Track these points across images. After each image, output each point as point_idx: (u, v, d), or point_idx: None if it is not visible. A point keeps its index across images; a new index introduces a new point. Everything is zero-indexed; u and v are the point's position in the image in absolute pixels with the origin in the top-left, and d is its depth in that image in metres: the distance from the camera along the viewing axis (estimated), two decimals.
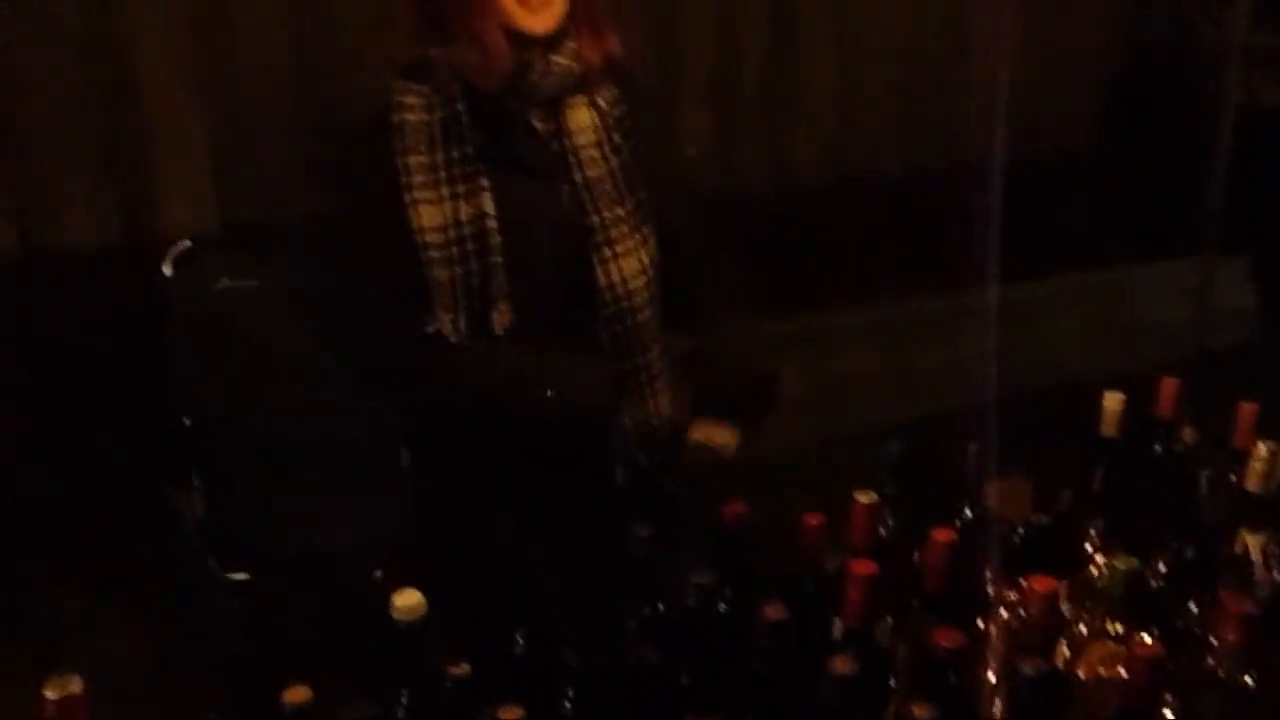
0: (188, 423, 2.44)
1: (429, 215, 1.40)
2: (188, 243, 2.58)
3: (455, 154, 1.39)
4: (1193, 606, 1.18)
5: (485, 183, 1.40)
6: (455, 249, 1.41)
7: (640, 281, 1.50)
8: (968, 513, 1.36)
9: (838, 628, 1.07)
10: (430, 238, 1.40)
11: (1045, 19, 4.04)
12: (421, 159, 1.39)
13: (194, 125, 2.78)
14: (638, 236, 1.49)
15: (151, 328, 2.53)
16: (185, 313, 2.52)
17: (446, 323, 1.44)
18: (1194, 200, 3.83)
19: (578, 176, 1.46)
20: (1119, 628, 1.08)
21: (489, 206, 1.39)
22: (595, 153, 1.47)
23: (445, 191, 1.39)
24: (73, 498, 2.64)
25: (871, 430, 3.64)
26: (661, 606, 1.11)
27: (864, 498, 1.15)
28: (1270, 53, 4.45)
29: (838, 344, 3.79)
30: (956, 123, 4.23)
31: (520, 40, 1.39)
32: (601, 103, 1.49)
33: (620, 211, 1.48)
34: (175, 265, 2.56)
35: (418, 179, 1.40)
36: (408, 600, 1.00)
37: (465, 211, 1.39)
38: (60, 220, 2.71)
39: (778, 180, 3.90)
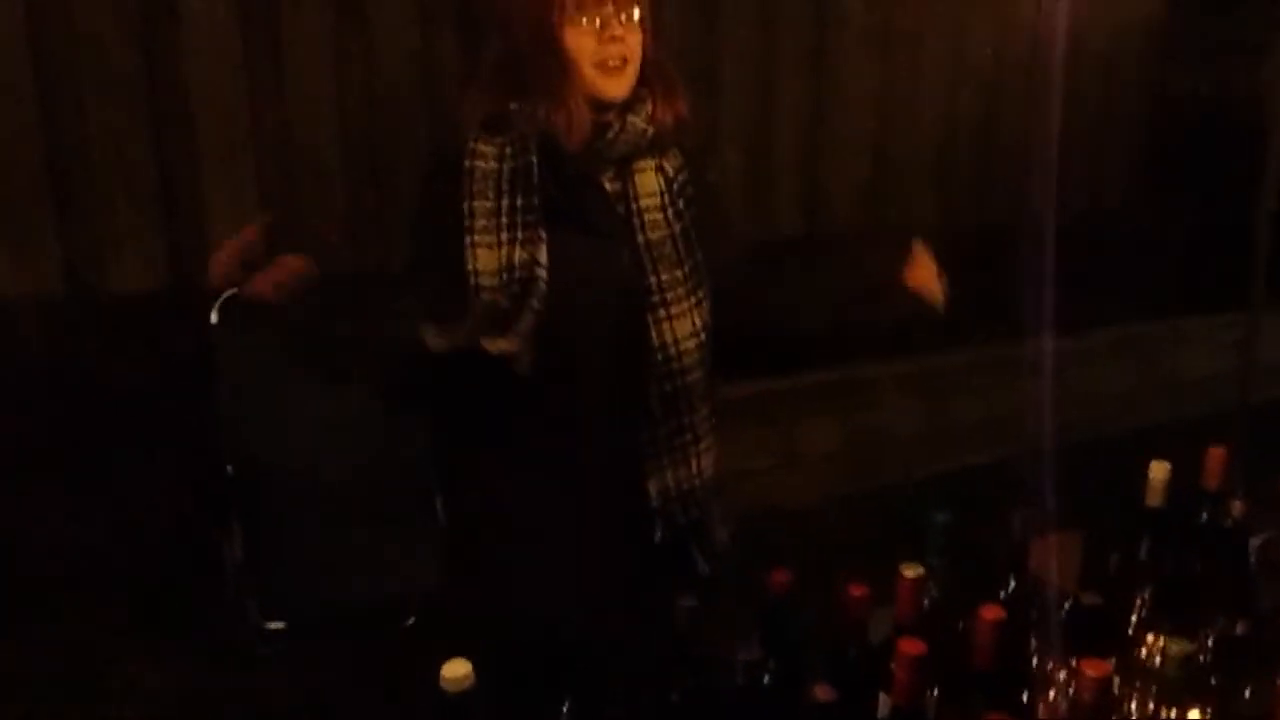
0: (230, 469, 2.47)
1: (485, 259, 1.42)
2: (234, 290, 2.63)
3: (519, 203, 1.42)
4: (1247, 691, 1.16)
5: (543, 234, 1.42)
6: (509, 290, 1.43)
7: (692, 343, 1.51)
8: (1014, 583, 1.34)
9: (885, 704, 1.06)
10: (483, 280, 1.43)
11: (1083, 75, 4.06)
12: (486, 204, 1.42)
13: (244, 173, 2.85)
14: (692, 299, 1.51)
15: (197, 373, 2.57)
16: (230, 359, 2.56)
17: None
18: (1238, 254, 3.80)
19: (640, 238, 1.48)
20: (1172, 714, 1.06)
21: (542, 257, 1.42)
22: (659, 216, 1.50)
23: (504, 237, 1.42)
24: (117, 539, 2.68)
25: (910, 482, 3.65)
26: (706, 680, 1.10)
27: (910, 572, 1.14)
28: None
29: (876, 395, 3.78)
30: (995, 176, 4.26)
31: (597, 103, 1.42)
32: (668, 168, 1.52)
33: (678, 274, 1.50)
34: (221, 314, 2.61)
35: (479, 223, 1.42)
36: (456, 671, 1.00)
37: (519, 257, 1.41)
38: (110, 264, 2.78)
39: (813, 228, 3.92)
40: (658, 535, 1.53)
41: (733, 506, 1.63)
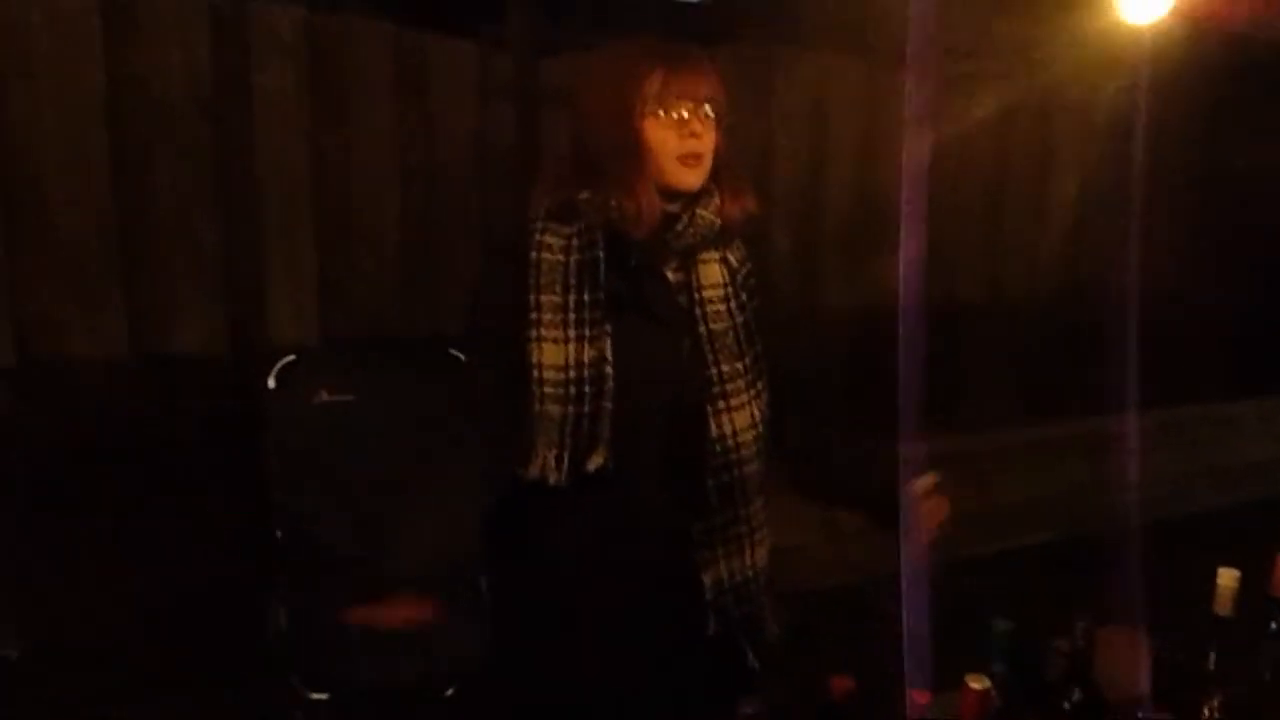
0: (279, 534, 2.50)
1: (550, 354, 1.42)
2: (292, 356, 2.69)
3: (587, 297, 1.43)
4: None
5: (609, 327, 1.43)
6: (572, 389, 1.43)
7: (750, 435, 1.51)
8: (1078, 694, 1.31)
9: None
10: (548, 374, 1.43)
11: (1133, 154, 4.05)
12: (555, 299, 1.43)
13: (303, 243, 2.93)
14: (752, 391, 1.51)
15: (252, 438, 2.62)
16: (284, 425, 2.60)
17: (549, 460, 1.45)
18: None
19: (702, 329, 1.49)
20: None
21: (609, 351, 1.42)
22: (722, 307, 1.50)
23: (572, 333, 1.42)
24: (162, 599, 2.70)
25: (958, 561, 3.58)
26: None
27: (976, 684, 1.13)
28: None
29: (928, 472, 3.73)
30: (1045, 254, 4.26)
31: (669, 193, 1.44)
32: (732, 259, 1.53)
33: (739, 366, 1.50)
34: (278, 378, 2.66)
35: (546, 317, 1.43)
36: None
37: (588, 354, 1.41)
38: (173, 328, 2.85)
39: (861, 303, 3.93)
40: (710, 628, 1.52)
41: (784, 601, 1.62)
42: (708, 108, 1.44)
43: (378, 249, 3.05)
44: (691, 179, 1.45)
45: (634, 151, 1.42)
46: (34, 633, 2.66)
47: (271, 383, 2.61)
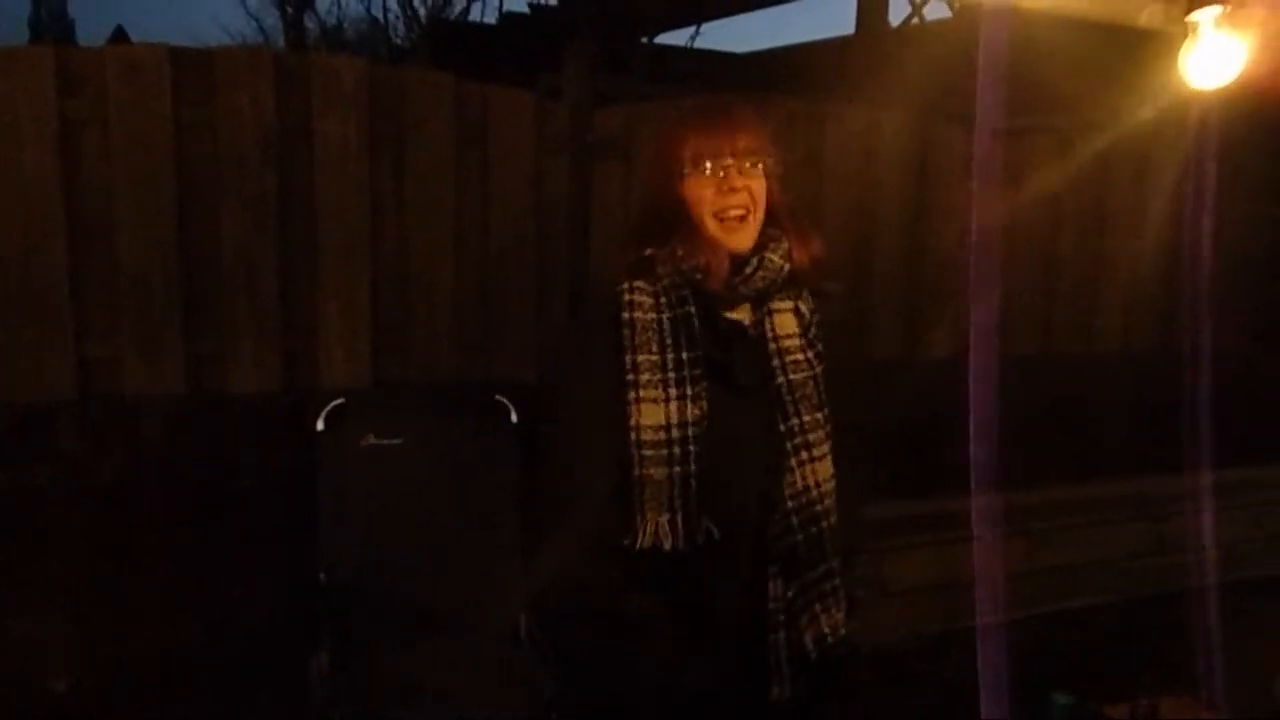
0: (323, 577, 2.51)
1: (650, 414, 1.41)
2: (340, 400, 2.72)
3: (686, 355, 1.43)
4: None
5: (706, 384, 1.42)
6: (677, 449, 1.41)
7: (831, 485, 1.49)
8: None
9: None
10: (647, 435, 1.41)
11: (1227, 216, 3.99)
12: (651, 358, 1.42)
13: (359, 287, 2.97)
14: (830, 443, 1.49)
15: (301, 480, 2.65)
16: (331, 466, 2.63)
17: (663, 525, 1.42)
18: None
19: (782, 380, 1.48)
20: None
21: (708, 408, 1.41)
22: (800, 357, 1.50)
23: (673, 392, 1.42)
24: (206, 638, 2.72)
25: (1016, 621, 3.49)
26: None
27: None
28: None
29: (980, 530, 3.66)
30: (1097, 311, 4.19)
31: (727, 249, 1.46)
32: (804, 309, 1.52)
33: (819, 416, 1.48)
34: (326, 421, 2.70)
35: (645, 377, 1.42)
36: None
37: (691, 413, 1.40)
38: (230, 368, 2.90)
39: (912, 355, 3.89)
40: (779, 694, 1.47)
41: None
42: (747, 162, 1.44)
43: (432, 296, 3.09)
44: (736, 240, 1.45)
45: (680, 210, 1.43)
46: (83, 666, 2.69)
47: (320, 425, 2.65)
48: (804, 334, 1.50)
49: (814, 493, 1.46)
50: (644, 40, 6.71)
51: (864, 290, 3.77)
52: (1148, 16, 1.48)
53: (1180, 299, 3.68)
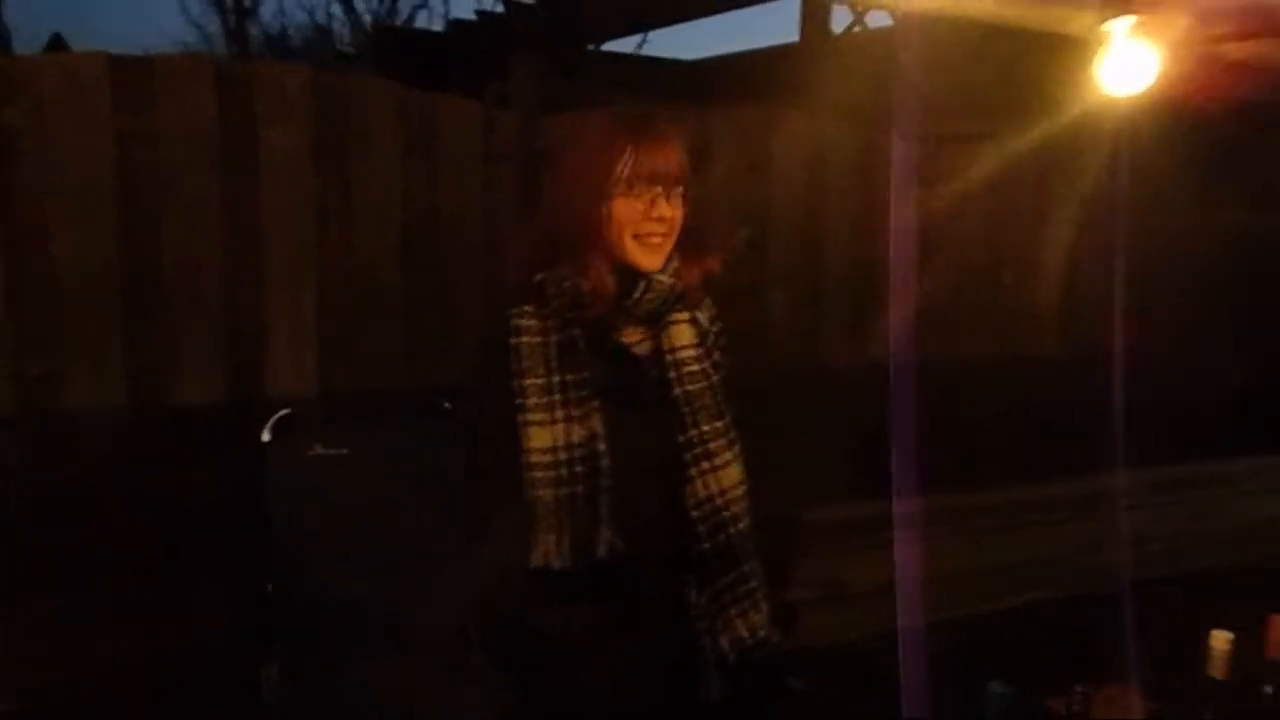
0: (271, 588, 2.48)
1: (539, 437, 1.42)
2: (287, 410, 2.70)
3: (571, 377, 1.44)
4: None
5: (596, 404, 1.43)
6: (565, 470, 1.43)
7: (739, 491, 1.51)
8: None
9: None
10: (536, 458, 1.43)
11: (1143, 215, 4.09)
12: (538, 381, 1.43)
13: (307, 295, 2.95)
14: (735, 449, 1.51)
15: (248, 491, 2.62)
16: (279, 478, 2.60)
17: (550, 545, 1.44)
18: None
19: (678, 391, 1.49)
20: None
21: (599, 428, 1.42)
22: (696, 367, 1.51)
23: (560, 414, 1.43)
24: (156, 654, 2.68)
25: (961, 619, 3.56)
26: None
27: None
28: None
29: (925, 530, 3.72)
30: (1041, 313, 4.28)
31: (626, 270, 1.46)
32: (702, 319, 1.54)
33: (719, 425, 1.50)
34: (273, 431, 2.67)
35: (532, 401, 1.43)
36: None
37: (578, 434, 1.41)
38: (174, 379, 2.87)
39: (860, 361, 3.95)
40: (715, 695, 1.49)
41: (799, 657, 1.60)
42: (678, 188, 1.46)
43: (381, 305, 3.08)
44: (651, 260, 1.46)
45: (599, 226, 1.43)
46: (27, 687, 2.64)
47: (266, 435, 2.63)
48: (701, 344, 1.52)
49: (718, 500, 1.48)
50: (592, 48, 6.73)
51: (815, 294, 3.82)
52: (1077, 25, 1.53)
53: (1113, 302, 3.77)
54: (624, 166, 1.42)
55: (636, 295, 1.46)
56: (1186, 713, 1.47)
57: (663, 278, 1.47)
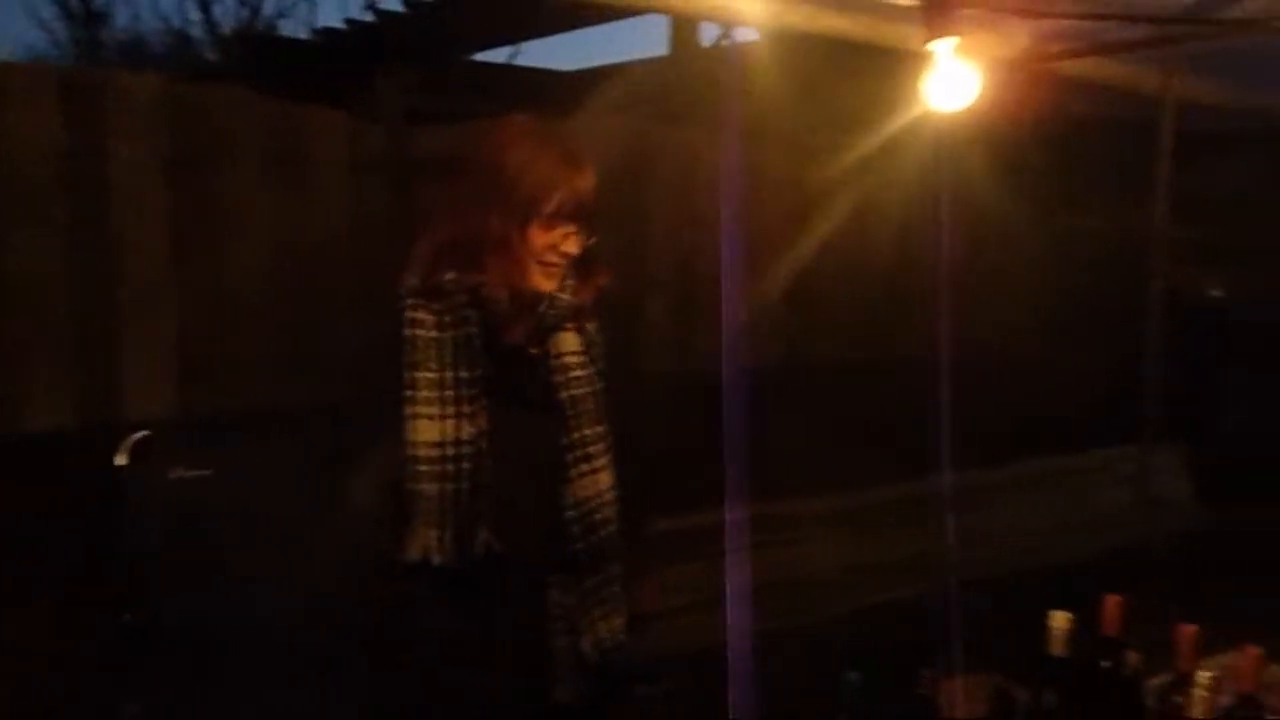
0: (128, 618, 2.38)
1: (426, 430, 1.42)
2: (144, 432, 2.59)
3: (465, 374, 1.44)
4: None
5: (485, 403, 1.44)
6: (451, 466, 1.43)
7: (612, 495, 1.54)
8: None
9: None
10: (422, 451, 1.43)
11: (991, 222, 4.30)
12: (430, 375, 1.44)
13: (163, 317, 2.85)
14: (609, 455, 1.54)
15: (103, 518, 2.50)
16: (136, 503, 2.49)
17: (431, 540, 1.43)
18: (1134, 391, 3.98)
19: (564, 395, 1.52)
20: None
21: (486, 426, 1.43)
22: (581, 374, 1.55)
23: (450, 410, 1.44)
24: (15, 699, 2.53)
25: (828, 620, 3.66)
26: None
27: None
28: (1192, 247, 4.75)
29: (797, 531, 3.81)
30: (911, 319, 4.46)
31: (524, 287, 1.48)
32: (589, 328, 1.57)
33: (599, 430, 1.54)
34: (130, 455, 2.56)
35: (423, 394, 1.44)
36: None
37: (467, 431, 1.42)
38: (23, 403, 2.72)
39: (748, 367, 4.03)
40: (568, 696, 1.52)
41: (663, 660, 1.63)
42: (590, 224, 1.49)
43: (245, 321, 2.99)
44: (548, 283, 1.50)
45: (513, 247, 1.45)
46: None
47: (122, 459, 2.51)
48: (585, 352, 1.55)
49: (594, 502, 1.52)
50: (464, 58, 6.68)
51: (692, 298, 3.89)
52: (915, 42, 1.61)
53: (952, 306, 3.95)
54: (554, 202, 1.45)
55: (541, 310, 1.49)
56: (1028, 690, 1.55)
57: (564, 296, 1.51)
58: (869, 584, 3.86)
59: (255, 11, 12.29)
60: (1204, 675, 1.32)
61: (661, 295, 3.86)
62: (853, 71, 3.69)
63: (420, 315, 1.46)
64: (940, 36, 1.39)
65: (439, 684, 1.47)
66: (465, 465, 1.44)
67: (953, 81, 1.45)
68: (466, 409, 1.45)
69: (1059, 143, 4.22)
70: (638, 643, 1.59)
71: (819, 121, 3.74)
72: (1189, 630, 1.48)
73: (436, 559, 1.42)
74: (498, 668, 1.49)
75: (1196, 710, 1.34)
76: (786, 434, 3.66)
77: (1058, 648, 1.54)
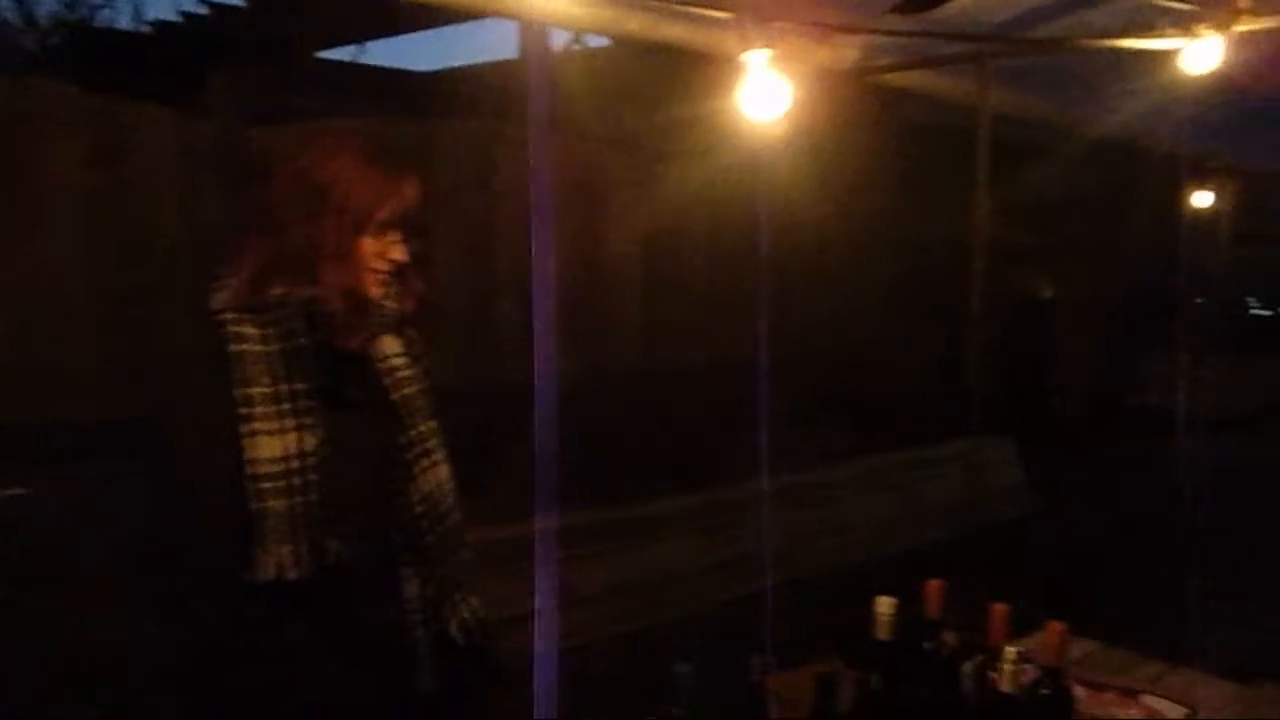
0: None
1: (267, 446, 1.39)
2: None
3: (300, 386, 1.42)
4: None
5: (322, 413, 1.42)
6: (298, 479, 1.41)
7: (449, 487, 1.56)
8: None
9: None
10: (264, 468, 1.39)
11: (838, 220, 4.45)
12: (264, 390, 1.43)
13: None
14: (444, 450, 1.56)
15: None
16: None
17: (285, 556, 1.39)
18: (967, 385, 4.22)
19: (395, 395, 1.53)
20: None
21: (325, 434, 1.41)
22: (408, 373, 1.57)
23: (291, 423, 1.41)
24: None
25: (675, 620, 3.72)
26: None
27: None
28: (1020, 248, 5.07)
29: (649, 533, 3.86)
30: (754, 319, 4.57)
31: (352, 293, 1.47)
32: (411, 332, 1.58)
33: (433, 424, 1.55)
34: None
35: (259, 410, 1.43)
36: None
37: (309, 442, 1.39)
38: None
39: (583, 370, 4.05)
40: (428, 682, 1.52)
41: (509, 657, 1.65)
42: (411, 231, 1.50)
43: (63, 329, 2.82)
44: (377, 291, 1.51)
45: (348, 257, 1.45)
46: None
47: None
48: (408, 352, 1.58)
49: (438, 493, 1.54)
50: (308, 56, 6.49)
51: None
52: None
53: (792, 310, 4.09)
54: (386, 211, 1.46)
55: (369, 318, 1.48)
56: (861, 671, 1.61)
57: (390, 304, 1.51)
58: (717, 582, 3.95)
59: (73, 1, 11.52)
60: (1011, 651, 1.41)
61: (509, 298, 3.85)
62: (697, 79, 3.76)
63: (245, 329, 1.43)
64: (753, 48, 1.44)
65: (301, 696, 1.44)
66: (312, 477, 1.42)
67: (765, 92, 1.51)
68: (307, 420, 1.43)
69: (898, 149, 4.41)
70: (479, 641, 1.60)
71: (657, 126, 3.81)
72: (1000, 609, 1.57)
73: (292, 574, 1.39)
74: (358, 668, 1.47)
75: (1005, 684, 1.42)
76: (635, 436, 3.72)
77: (883, 632, 1.61)
